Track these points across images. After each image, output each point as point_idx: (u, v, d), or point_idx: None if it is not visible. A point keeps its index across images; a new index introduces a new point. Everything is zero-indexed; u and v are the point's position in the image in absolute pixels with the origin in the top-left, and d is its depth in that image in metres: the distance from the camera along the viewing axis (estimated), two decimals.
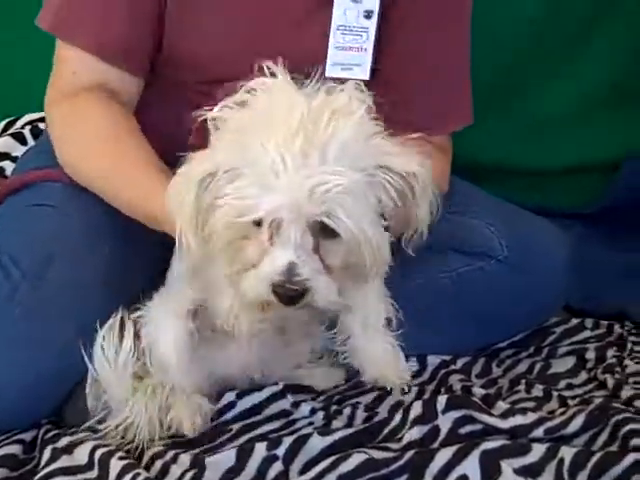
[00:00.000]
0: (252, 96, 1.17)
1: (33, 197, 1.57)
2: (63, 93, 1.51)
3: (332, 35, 1.52)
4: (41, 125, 2.12)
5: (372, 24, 1.54)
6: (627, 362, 1.65)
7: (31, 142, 2.12)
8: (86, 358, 1.40)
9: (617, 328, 1.80)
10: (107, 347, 1.40)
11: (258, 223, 1.12)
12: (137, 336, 1.40)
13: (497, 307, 1.64)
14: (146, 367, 1.39)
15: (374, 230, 1.15)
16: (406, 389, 1.41)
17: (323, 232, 1.12)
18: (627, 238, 2.28)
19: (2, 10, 2.22)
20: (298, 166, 1.08)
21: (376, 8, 1.53)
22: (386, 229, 1.21)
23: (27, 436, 1.43)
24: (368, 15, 1.53)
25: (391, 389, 1.53)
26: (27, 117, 2.18)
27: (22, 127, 2.17)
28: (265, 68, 1.18)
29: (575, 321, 1.82)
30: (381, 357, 1.36)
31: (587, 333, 1.78)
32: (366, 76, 1.56)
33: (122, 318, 1.41)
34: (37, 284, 1.43)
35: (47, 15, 1.53)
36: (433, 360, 1.64)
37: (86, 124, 1.48)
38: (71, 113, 1.50)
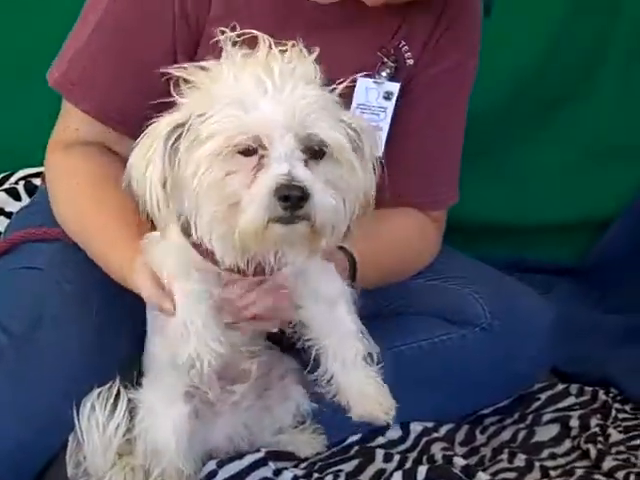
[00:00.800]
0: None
1: (22, 260, 1.59)
2: (62, 142, 1.55)
3: (351, 112, 1.56)
4: (35, 181, 2.13)
5: (391, 104, 1.58)
6: (610, 431, 1.66)
7: (25, 197, 2.13)
8: (76, 420, 1.40)
9: (602, 395, 1.81)
10: (99, 412, 1.41)
11: (244, 152, 1.13)
12: (130, 413, 1.41)
13: (480, 374, 1.64)
14: (130, 446, 1.40)
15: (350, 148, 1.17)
16: (391, 422, 1.37)
17: (306, 154, 1.14)
18: (614, 298, 2.28)
19: None
20: (280, 85, 1.12)
21: (396, 90, 1.58)
22: None
23: None
24: (388, 96, 1.58)
25: (374, 457, 1.54)
26: (21, 172, 2.19)
27: (16, 182, 2.18)
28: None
29: (560, 387, 1.83)
30: (365, 393, 1.34)
31: (572, 400, 1.79)
32: (379, 153, 1.59)
33: (119, 388, 1.42)
34: (24, 349, 1.44)
35: (56, 72, 1.54)
36: (416, 427, 1.64)
37: (73, 172, 1.50)
38: (63, 161, 1.53)
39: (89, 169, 1.50)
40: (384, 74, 1.56)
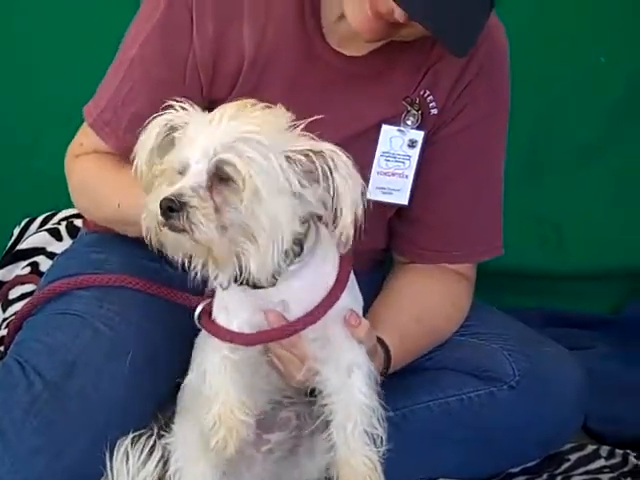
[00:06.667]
0: None
1: (60, 306, 1.62)
2: (77, 154, 1.70)
3: (376, 161, 1.59)
4: (76, 222, 2.19)
5: (415, 152, 1.60)
6: None
7: (66, 238, 2.19)
8: (108, 463, 1.44)
9: (632, 458, 1.78)
10: (131, 460, 1.44)
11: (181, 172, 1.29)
12: (162, 461, 1.45)
13: (507, 432, 1.64)
14: None
15: (272, 194, 1.24)
16: None
17: (215, 179, 1.25)
18: None
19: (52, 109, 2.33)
20: (218, 124, 1.27)
21: (420, 138, 1.60)
22: (320, 219, 1.32)
23: None
24: (412, 144, 1.60)
25: None
26: (64, 212, 2.25)
27: (58, 222, 2.24)
28: None
29: (590, 448, 1.81)
30: (354, 469, 1.35)
31: (602, 462, 1.77)
32: (405, 201, 1.62)
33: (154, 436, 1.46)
34: (57, 395, 1.48)
35: (93, 110, 1.64)
36: None
37: (83, 169, 1.68)
38: (77, 167, 1.70)
39: (92, 166, 1.67)
40: (409, 122, 1.59)
